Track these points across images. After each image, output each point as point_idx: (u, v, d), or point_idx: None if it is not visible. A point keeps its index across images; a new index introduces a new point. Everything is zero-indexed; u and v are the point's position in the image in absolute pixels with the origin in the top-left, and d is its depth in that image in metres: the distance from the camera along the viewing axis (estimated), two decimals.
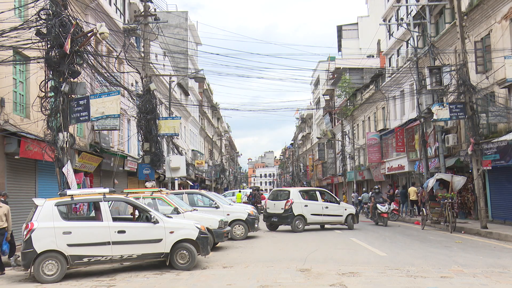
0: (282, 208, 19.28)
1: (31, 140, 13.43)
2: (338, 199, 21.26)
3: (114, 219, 10.16)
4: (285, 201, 19.27)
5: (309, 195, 20.20)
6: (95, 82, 16.93)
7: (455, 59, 20.75)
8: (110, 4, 23.14)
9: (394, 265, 10.20)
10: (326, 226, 20.61)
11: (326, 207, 19.77)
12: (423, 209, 20.75)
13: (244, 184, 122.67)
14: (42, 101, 11.78)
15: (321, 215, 19.59)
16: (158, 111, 21.13)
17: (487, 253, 12.10)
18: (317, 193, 20.44)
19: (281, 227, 20.17)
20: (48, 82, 11.79)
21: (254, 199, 31.05)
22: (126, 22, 24.84)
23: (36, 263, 9.20)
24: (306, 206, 19.31)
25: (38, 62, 12.76)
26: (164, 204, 13.64)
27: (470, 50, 19.91)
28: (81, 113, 12.00)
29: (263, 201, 32.30)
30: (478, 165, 17.66)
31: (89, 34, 11.94)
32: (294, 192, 19.91)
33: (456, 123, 22.56)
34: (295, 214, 19.00)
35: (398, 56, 34.81)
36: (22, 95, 14.62)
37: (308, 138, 79.64)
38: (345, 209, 20.25)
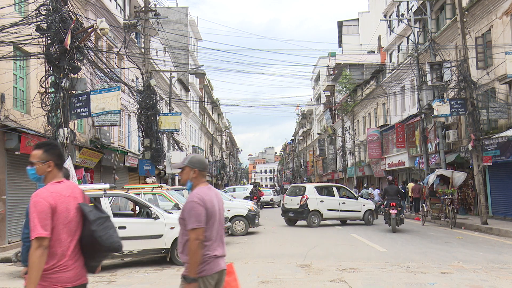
0: (298, 204, 19.53)
1: (32, 136, 13.42)
2: (356, 195, 21.33)
3: (115, 215, 10.18)
4: (301, 196, 19.50)
5: (325, 191, 20.39)
6: (96, 78, 16.94)
7: (455, 55, 20.73)
8: None
9: (394, 261, 10.20)
10: (348, 222, 20.62)
11: (343, 203, 19.84)
12: (423, 205, 20.77)
13: (245, 180, 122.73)
14: (43, 97, 11.77)
15: (338, 210, 19.68)
16: (158, 107, 21.12)
17: (487, 248, 12.11)
18: (334, 188, 20.56)
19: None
20: (49, 78, 11.77)
21: (253, 195, 31.39)
22: (126, 17, 24.81)
23: None
24: (322, 201, 19.49)
25: (38, 58, 12.74)
26: (164, 200, 13.65)
27: (471, 46, 19.89)
28: (82, 109, 12.01)
29: (262, 197, 33.35)
30: (478, 161, 17.66)
31: (89, 30, 11.93)
32: (310, 188, 20.16)
33: (457, 119, 22.55)
34: (310, 210, 19.20)
35: (398, 52, 34.71)
36: (23, 91, 14.60)
37: (308, 134, 79.59)
38: (363, 205, 20.31)
